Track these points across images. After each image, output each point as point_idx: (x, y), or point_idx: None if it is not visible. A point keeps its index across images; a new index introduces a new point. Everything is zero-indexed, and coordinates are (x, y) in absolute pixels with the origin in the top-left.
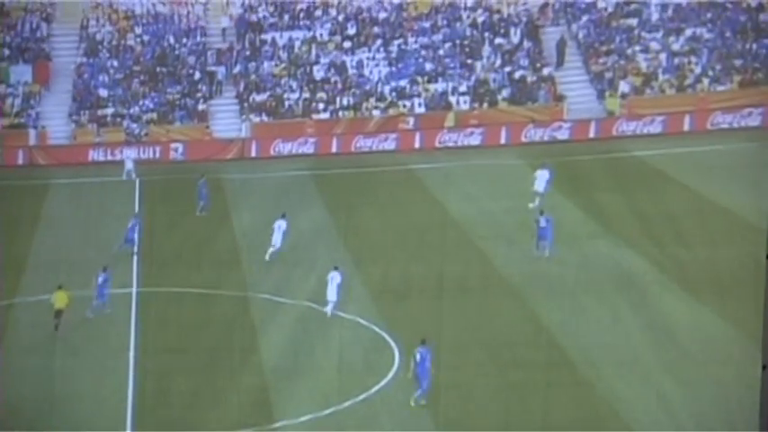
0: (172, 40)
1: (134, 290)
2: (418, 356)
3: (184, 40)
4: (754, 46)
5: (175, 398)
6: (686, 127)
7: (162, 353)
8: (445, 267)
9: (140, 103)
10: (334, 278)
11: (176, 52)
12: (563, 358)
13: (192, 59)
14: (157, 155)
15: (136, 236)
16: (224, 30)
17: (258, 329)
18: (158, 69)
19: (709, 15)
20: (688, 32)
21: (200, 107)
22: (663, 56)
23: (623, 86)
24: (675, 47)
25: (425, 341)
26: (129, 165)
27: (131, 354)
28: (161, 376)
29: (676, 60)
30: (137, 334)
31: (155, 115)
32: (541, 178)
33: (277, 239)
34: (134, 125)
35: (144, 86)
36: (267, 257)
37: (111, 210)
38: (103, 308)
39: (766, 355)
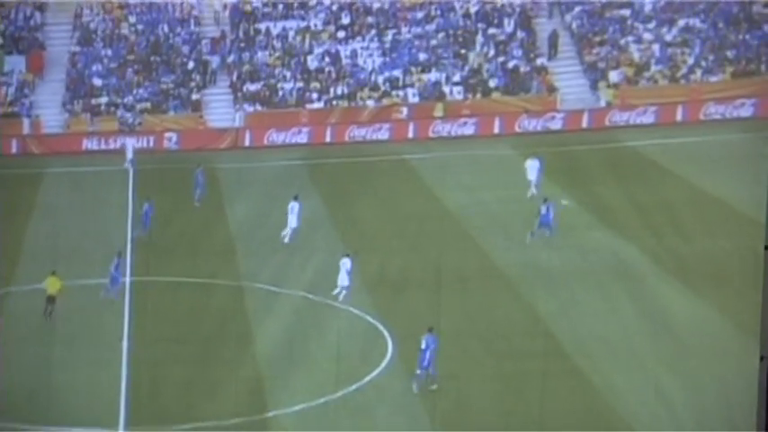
0: (166, 29)
1: (128, 279)
2: (423, 343)
3: (178, 30)
4: (747, 37)
5: (170, 388)
6: (679, 117)
7: (156, 343)
8: (441, 257)
9: (134, 92)
10: (345, 264)
11: (170, 42)
12: (558, 349)
13: (185, 49)
14: (151, 144)
15: (149, 222)
16: (218, 19)
17: (253, 320)
18: (152, 59)
19: (701, 6)
20: (681, 23)
21: (194, 96)
22: (656, 46)
23: (616, 77)
24: (668, 37)
25: (432, 329)
26: (130, 153)
27: (125, 344)
28: (156, 366)
29: (669, 51)
30: (130, 324)
31: (149, 104)
32: (532, 168)
33: (292, 221)
34: (128, 114)
35: (138, 76)
36: (284, 240)
37: (106, 199)
38: (117, 294)
39: (764, 346)
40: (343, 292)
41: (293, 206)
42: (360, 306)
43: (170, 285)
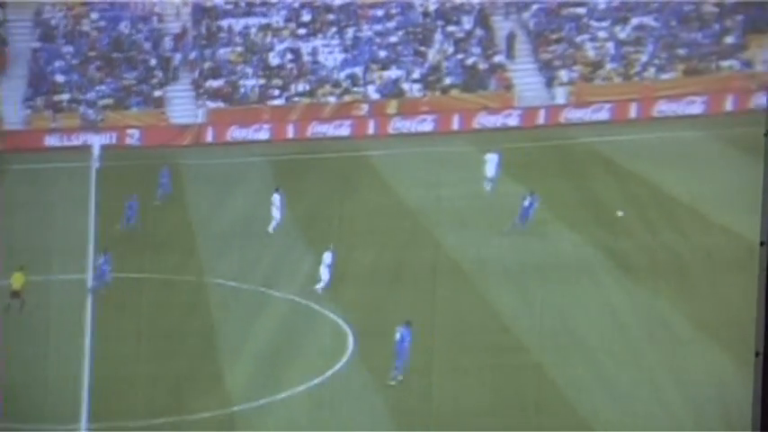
0: (128, 25)
1: (89, 275)
2: (398, 335)
3: (140, 26)
4: (699, 35)
5: (132, 384)
6: (633, 114)
7: (119, 339)
8: (401, 253)
9: (96, 88)
10: (327, 258)
11: (132, 38)
12: (515, 342)
13: (147, 45)
14: (114, 140)
15: (134, 216)
16: (180, 16)
17: (215, 315)
18: (114, 55)
19: (654, 5)
20: (634, 21)
21: (157, 93)
22: (610, 44)
23: (572, 74)
24: (622, 35)
25: (410, 322)
26: (96, 151)
27: (87, 340)
28: (118, 363)
29: (623, 49)
30: (93, 320)
31: (111, 101)
32: (491, 162)
33: (276, 213)
34: (90, 111)
35: (100, 72)
36: (271, 230)
37: (69, 195)
38: (102, 289)
39: (759, 341)
40: (323, 285)
41: (275, 198)
42: (321, 301)
43: (132, 281)
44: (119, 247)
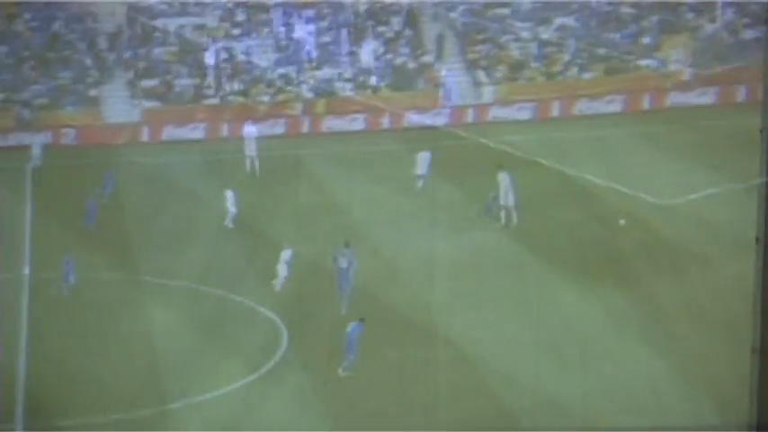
0: (62, 25)
1: (27, 273)
2: (349, 329)
3: (75, 26)
4: (617, 36)
5: (67, 382)
6: (555, 113)
7: (54, 337)
8: (334, 251)
9: (31, 88)
10: (286, 254)
11: (67, 38)
12: (446, 337)
13: (82, 45)
14: (49, 140)
15: (95, 216)
16: (114, 15)
17: (152, 313)
18: (49, 55)
19: (575, 6)
20: (557, 22)
21: (92, 93)
22: (533, 44)
23: (497, 74)
24: (545, 36)
25: (363, 319)
26: (36, 149)
27: (23, 339)
28: (53, 361)
29: (546, 49)
30: (29, 318)
31: (46, 101)
32: (423, 160)
33: (232, 207)
34: (25, 111)
35: (35, 72)
36: (227, 223)
37: (5, 195)
38: (71, 289)
39: (756, 338)
40: (282, 281)
41: (229, 195)
42: (255, 298)
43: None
44: (48, 244)
